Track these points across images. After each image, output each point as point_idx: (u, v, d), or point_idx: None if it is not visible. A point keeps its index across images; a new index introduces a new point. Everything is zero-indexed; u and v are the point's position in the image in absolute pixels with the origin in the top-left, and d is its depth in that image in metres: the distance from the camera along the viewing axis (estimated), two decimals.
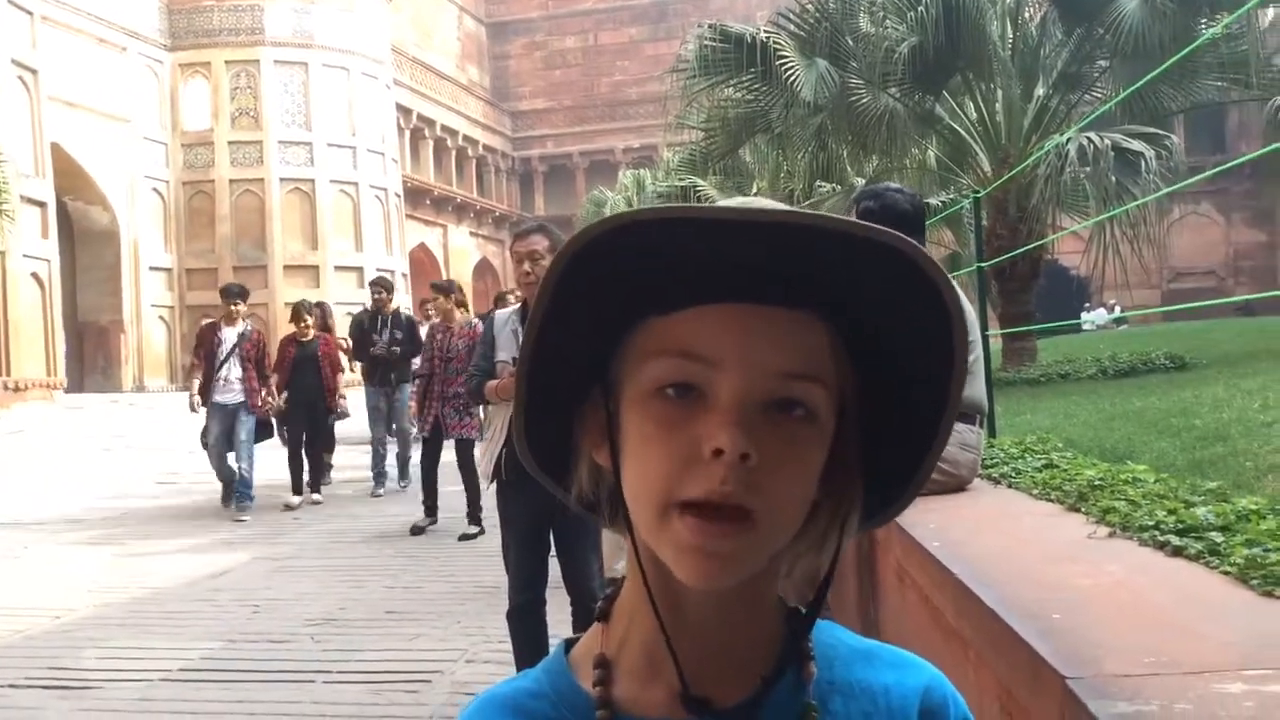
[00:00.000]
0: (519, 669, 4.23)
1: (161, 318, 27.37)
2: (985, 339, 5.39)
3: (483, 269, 40.61)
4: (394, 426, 11.36)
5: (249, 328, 10.21)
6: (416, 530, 8.85)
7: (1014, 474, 3.95)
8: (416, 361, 11.22)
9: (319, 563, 7.90)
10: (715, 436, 0.63)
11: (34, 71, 21.66)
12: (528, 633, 4.22)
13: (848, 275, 0.65)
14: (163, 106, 27.74)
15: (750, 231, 0.62)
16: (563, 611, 4.35)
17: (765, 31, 12.46)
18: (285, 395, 10.33)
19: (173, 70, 27.95)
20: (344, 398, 10.89)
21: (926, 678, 0.75)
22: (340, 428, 11.72)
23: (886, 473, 0.72)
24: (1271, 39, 13.76)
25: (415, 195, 35.09)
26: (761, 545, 0.65)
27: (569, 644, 0.77)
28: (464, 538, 8.47)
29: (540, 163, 45.83)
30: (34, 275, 21.10)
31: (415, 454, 10.71)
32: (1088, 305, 31.56)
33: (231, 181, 28.03)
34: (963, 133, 12.90)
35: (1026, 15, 12.91)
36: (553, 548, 4.30)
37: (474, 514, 8.64)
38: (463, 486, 8.83)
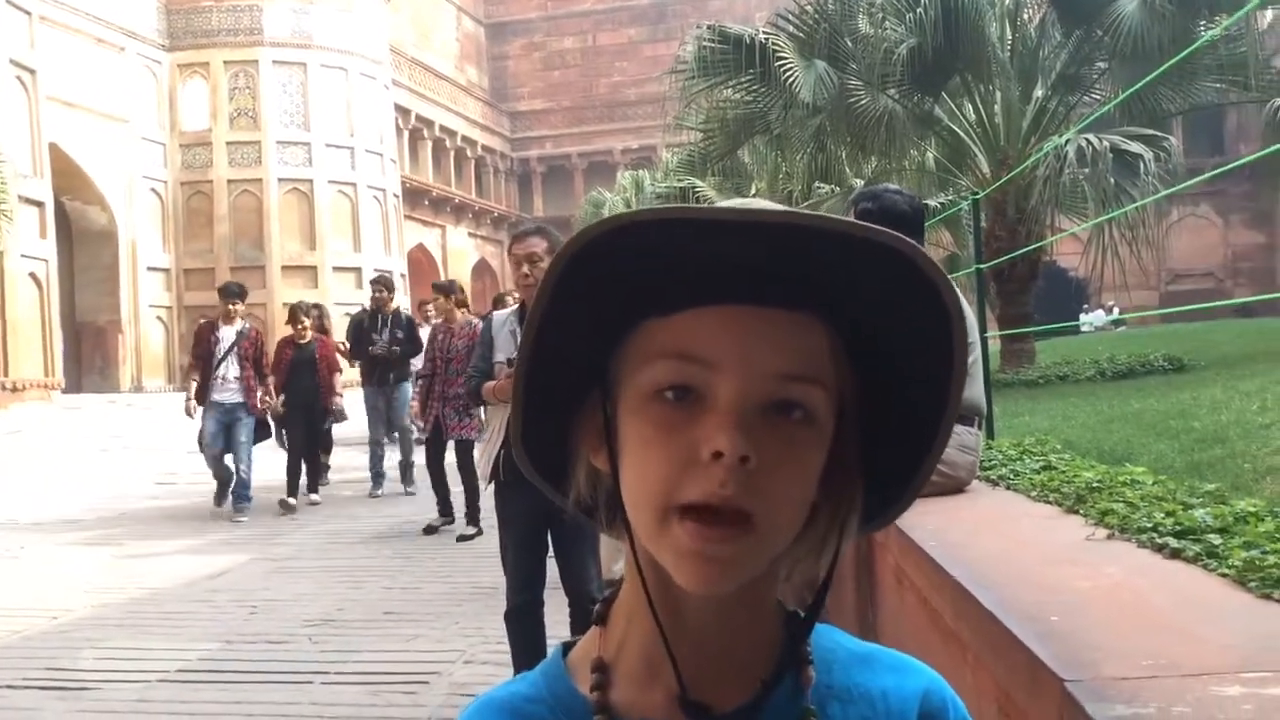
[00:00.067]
0: (517, 670, 4.22)
1: (159, 318, 27.36)
2: (984, 340, 5.39)
3: (481, 269, 40.60)
4: (395, 428, 11.28)
5: (247, 326, 10.13)
6: (430, 530, 8.80)
7: (1012, 476, 3.94)
8: (416, 362, 11.20)
9: (317, 563, 7.90)
10: (714, 439, 0.62)
11: (32, 71, 21.66)
12: (525, 634, 4.22)
13: (846, 276, 0.65)
14: (161, 107, 27.74)
15: (749, 232, 0.62)
16: (560, 613, 4.35)
17: (764, 33, 12.46)
18: (283, 398, 10.27)
19: (171, 70, 27.95)
20: (340, 395, 10.80)
21: (926, 681, 0.75)
22: (339, 428, 11.67)
23: (885, 474, 0.71)
24: (1270, 41, 13.79)
25: (414, 196, 35.09)
26: (761, 549, 0.65)
27: (566, 647, 0.76)
28: (462, 538, 8.47)
29: (539, 163, 45.84)
30: (32, 275, 21.10)
31: (417, 457, 10.70)
32: (1086, 307, 31.57)
33: (230, 182, 28.02)
34: (961, 134, 12.91)
35: (1025, 17, 12.92)
36: (551, 549, 4.30)
37: (472, 515, 8.64)
38: (461, 487, 8.82)
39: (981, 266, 6.65)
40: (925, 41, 10.98)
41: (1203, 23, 11.27)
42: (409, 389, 11.19)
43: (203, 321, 10.63)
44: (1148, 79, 8.97)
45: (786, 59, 11.92)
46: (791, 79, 11.83)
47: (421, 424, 9.10)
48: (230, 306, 9.95)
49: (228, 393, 9.77)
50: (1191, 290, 34.30)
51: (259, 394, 9.93)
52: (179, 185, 27.96)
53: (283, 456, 10.70)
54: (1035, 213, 11.37)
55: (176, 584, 7.28)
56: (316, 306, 12.33)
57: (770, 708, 0.70)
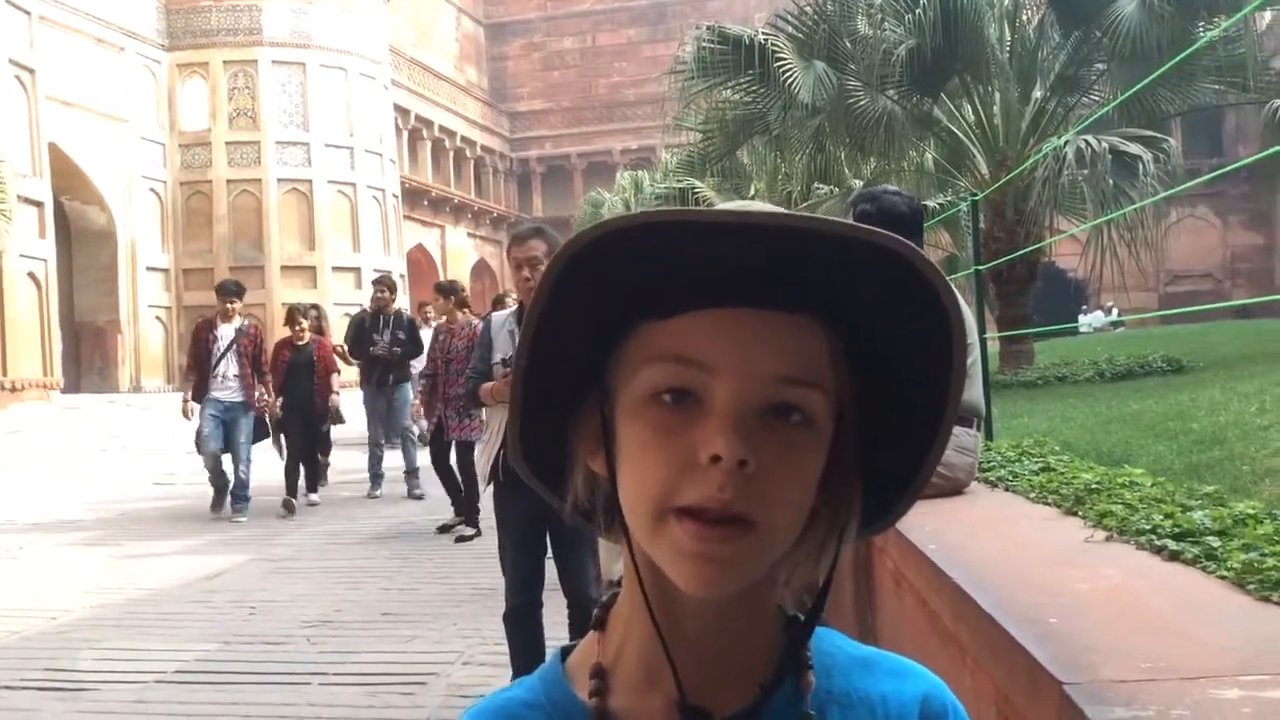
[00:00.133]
0: (515, 671, 4.22)
1: (158, 318, 27.35)
2: (983, 342, 5.39)
3: (480, 270, 40.59)
4: (395, 431, 11.19)
5: (246, 323, 10.03)
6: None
7: (1011, 477, 3.94)
8: (417, 363, 11.16)
9: (315, 564, 7.89)
10: (712, 443, 0.62)
11: (31, 71, 21.66)
12: (524, 635, 4.21)
13: (845, 278, 0.64)
14: (160, 106, 27.73)
15: (747, 235, 0.62)
16: (559, 614, 4.35)
17: (763, 33, 12.46)
18: (280, 400, 10.17)
19: (170, 70, 27.94)
20: (337, 394, 10.72)
21: (926, 686, 0.75)
22: (338, 429, 11.63)
23: (884, 477, 0.71)
24: (1269, 42, 13.80)
25: (413, 196, 35.09)
26: (761, 551, 0.65)
27: (565, 652, 0.76)
28: (461, 539, 8.47)
29: (538, 164, 45.84)
30: (31, 275, 21.09)
31: (418, 460, 10.66)
32: (1085, 308, 31.59)
33: (229, 182, 28.01)
34: (960, 135, 12.91)
35: (1024, 18, 12.93)
36: (550, 550, 4.29)
37: (471, 516, 8.63)
38: (461, 488, 8.82)
39: (980, 268, 6.66)
40: (924, 42, 10.99)
41: (1201, 24, 11.28)
42: (409, 391, 11.15)
43: (203, 319, 10.48)
44: (1147, 80, 8.97)
45: (785, 60, 11.92)
46: (790, 80, 11.83)
47: (425, 424, 9.05)
48: (228, 304, 9.87)
49: (227, 391, 9.69)
50: (1190, 291, 34.31)
51: (258, 392, 9.88)
52: (178, 185, 27.96)
53: (280, 457, 10.62)
54: (1034, 214, 11.38)
55: (174, 584, 7.28)
56: (314, 307, 12.28)
57: (770, 713, 0.70)
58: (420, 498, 10.54)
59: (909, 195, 4.20)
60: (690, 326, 0.65)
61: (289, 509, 9.95)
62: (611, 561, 4.95)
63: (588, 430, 0.70)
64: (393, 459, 11.37)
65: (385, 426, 11.13)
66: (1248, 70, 11.03)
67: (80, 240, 26.11)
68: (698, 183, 18.29)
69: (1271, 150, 9.52)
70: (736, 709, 0.69)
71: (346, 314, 24.98)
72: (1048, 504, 3.38)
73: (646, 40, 45.26)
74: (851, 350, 0.68)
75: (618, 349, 0.68)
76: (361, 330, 11.06)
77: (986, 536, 2.99)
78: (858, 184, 13.18)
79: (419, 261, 35.24)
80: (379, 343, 10.71)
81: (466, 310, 9.25)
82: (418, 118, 37.28)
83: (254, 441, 9.97)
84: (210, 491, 10.02)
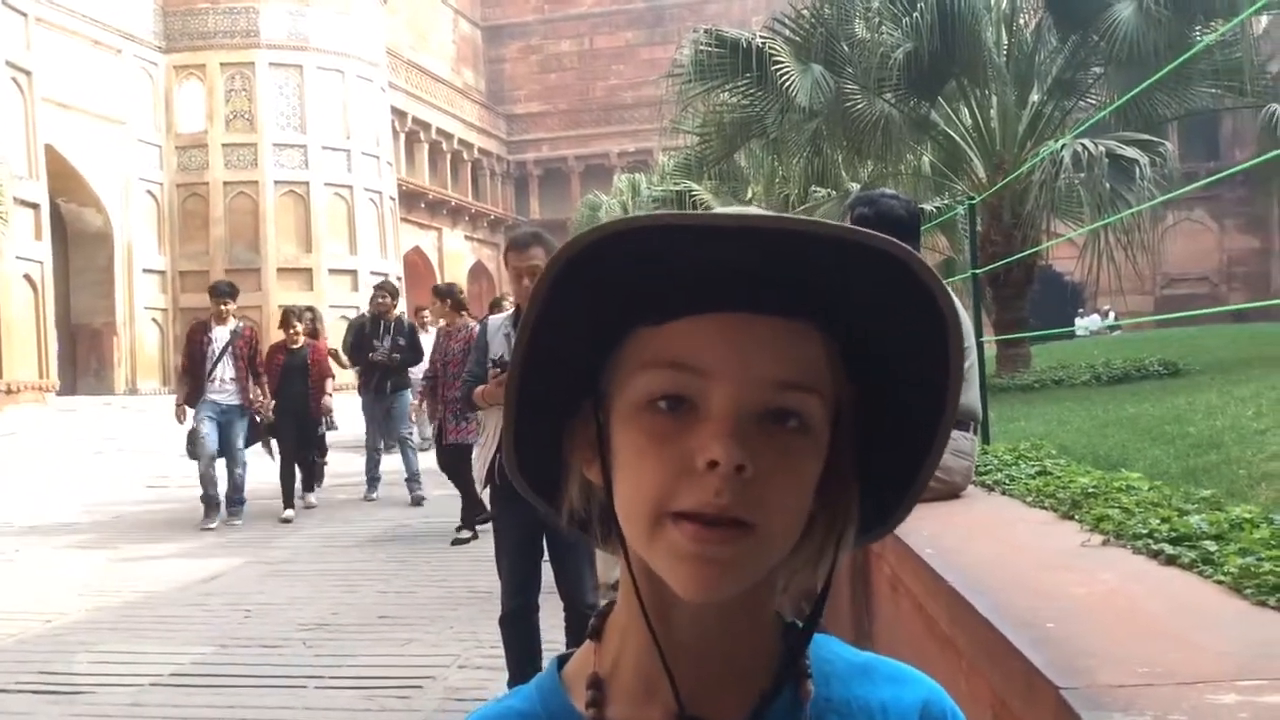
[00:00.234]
0: (511, 675, 4.22)
1: (154, 320, 27.32)
2: (980, 345, 5.39)
3: (477, 272, 40.58)
4: (393, 437, 11.13)
5: (241, 325, 9.92)
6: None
7: (1008, 481, 3.94)
8: (416, 370, 11.13)
9: (312, 567, 7.88)
10: (709, 448, 0.62)
11: (28, 73, 21.63)
12: (521, 639, 4.21)
13: (841, 282, 0.64)
14: (157, 109, 27.71)
15: (744, 237, 0.62)
16: (555, 618, 4.35)
17: (761, 37, 12.48)
18: (273, 404, 10.04)
19: (167, 72, 27.92)
20: (330, 396, 10.66)
21: (925, 692, 0.74)
22: (333, 433, 11.60)
23: (882, 481, 0.71)
24: (1265, 46, 13.81)
25: (410, 198, 35.08)
26: (759, 554, 0.64)
27: (561, 661, 0.76)
28: (457, 542, 8.46)
29: (535, 166, 45.83)
30: (27, 277, 21.07)
31: (417, 465, 10.63)
32: (1081, 311, 31.63)
33: (225, 184, 27.99)
34: (958, 139, 12.93)
35: (1021, 22, 12.95)
36: (546, 554, 4.29)
37: (468, 519, 8.62)
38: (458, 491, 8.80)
39: (977, 271, 6.65)
40: (921, 46, 11.00)
41: (1198, 28, 11.30)
42: (408, 397, 11.11)
43: (197, 322, 10.29)
44: (1144, 85, 8.98)
45: (783, 63, 11.94)
46: (788, 83, 11.85)
47: (427, 427, 8.98)
48: (222, 306, 9.75)
49: (224, 394, 9.62)
50: (1186, 295, 34.34)
51: (254, 394, 9.81)
52: (175, 187, 27.93)
53: (272, 461, 10.54)
54: (1031, 217, 11.39)
55: (171, 587, 7.26)
56: (309, 309, 12.25)
57: None
58: (420, 502, 10.47)
59: (906, 199, 4.20)
60: (686, 332, 0.65)
61: (288, 520, 9.88)
62: (608, 565, 4.95)
63: (582, 438, 0.70)
64: (391, 463, 11.34)
65: (384, 432, 11.10)
66: (1244, 74, 11.04)
67: (76, 242, 26.09)
68: (695, 186, 18.28)
69: (1269, 155, 9.54)
70: (735, 718, 0.69)
71: (343, 316, 25.02)
72: (1044, 508, 3.38)
73: (644, 43, 45.27)
74: (848, 354, 0.68)
75: (613, 354, 0.68)
76: (361, 336, 10.98)
77: (983, 540, 2.99)
78: (855, 187, 13.18)
79: (416, 264, 35.24)
80: (378, 349, 10.61)
81: (465, 313, 9.24)
82: (415, 120, 37.27)
83: (246, 445, 9.92)
84: (198, 495, 9.76)
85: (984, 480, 4.03)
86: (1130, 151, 10.02)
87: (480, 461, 4.38)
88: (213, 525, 9.51)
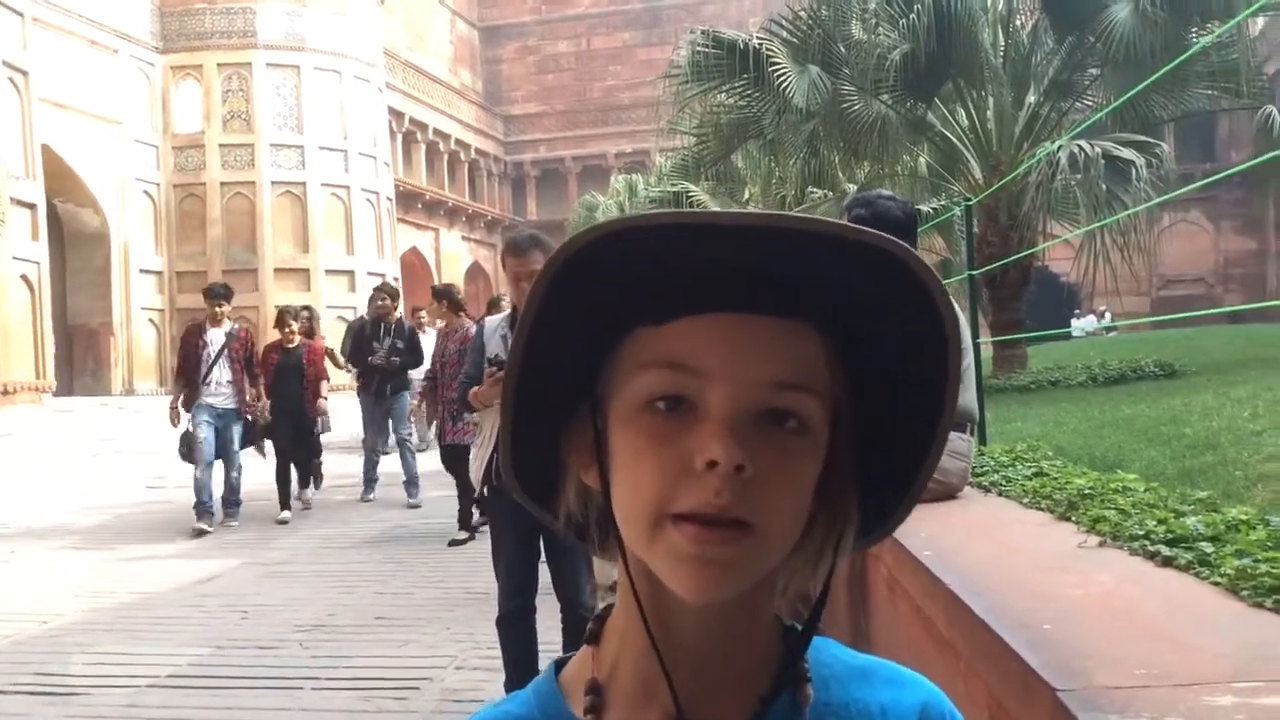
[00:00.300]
0: (508, 676, 4.22)
1: (151, 320, 27.27)
2: (976, 346, 5.40)
3: (474, 273, 40.55)
4: (395, 439, 11.07)
5: (236, 327, 9.88)
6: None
7: (1004, 482, 3.95)
8: (416, 373, 11.11)
9: (309, 568, 7.88)
10: (708, 448, 0.62)
11: (25, 73, 21.59)
12: (517, 640, 4.21)
13: (840, 281, 0.64)
14: (154, 109, 27.67)
15: (742, 236, 0.62)
16: (553, 619, 4.35)
17: (758, 38, 12.48)
18: (267, 404, 9.98)
19: (164, 72, 27.87)
20: (325, 399, 10.60)
21: (924, 695, 0.74)
22: (329, 434, 11.57)
23: (881, 481, 0.71)
24: (1261, 47, 13.82)
25: (407, 199, 35.04)
26: (759, 555, 0.64)
27: (559, 665, 0.75)
28: (454, 543, 8.45)
29: (532, 167, 45.79)
30: (23, 278, 21.02)
31: (416, 469, 10.61)
32: (1077, 312, 31.65)
33: (222, 184, 27.94)
34: (954, 140, 12.93)
35: (1018, 23, 12.95)
36: (543, 555, 4.29)
37: (465, 520, 8.62)
38: (455, 492, 8.80)
39: (974, 272, 6.67)
40: (918, 47, 11.00)
41: (1194, 30, 11.30)
42: (407, 399, 11.08)
43: (192, 324, 10.17)
44: (1141, 86, 8.99)
45: (780, 64, 11.94)
46: (785, 84, 11.84)
47: (423, 429, 8.97)
48: (216, 308, 9.69)
49: (220, 397, 9.55)
50: (1183, 296, 34.39)
51: (250, 395, 9.76)
52: (171, 188, 27.88)
53: (269, 462, 10.48)
54: (1028, 218, 11.39)
55: (167, 589, 7.26)
56: (306, 309, 12.21)
57: None
58: (417, 506, 10.44)
59: (903, 200, 4.21)
60: (684, 332, 0.65)
61: (285, 522, 9.85)
62: (605, 566, 4.95)
63: (579, 442, 0.70)
64: (389, 465, 11.32)
65: (383, 434, 11.05)
66: (1240, 76, 11.05)
67: (73, 243, 26.04)
68: (692, 186, 18.28)
69: (1265, 157, 9.55)
70: None
71: (340, 317, 25.02)
72: (1041, 509, 3.38)
73: (641, 44, 45.25)
74: (847, 355, 0.68)
75: (610, 356, 0.68)
76: (361, 338, 10.93)
77: (980, 542, 2.99)
78: (851, 188, 13.19)
79: (413, 264, 35.21)
80: (378, 351, 10.56)
81: (462, 314, 9.23)
82: (412, 121, 37.24)
83: (241, 447, 9.86)
84: (192, 500, 9.58)
85: (981, 481, 4.04)
86: (1126, 153, 10.03)
87: (477, 463, 4.37)
88: (209, 529, 9.41)
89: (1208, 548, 2.39)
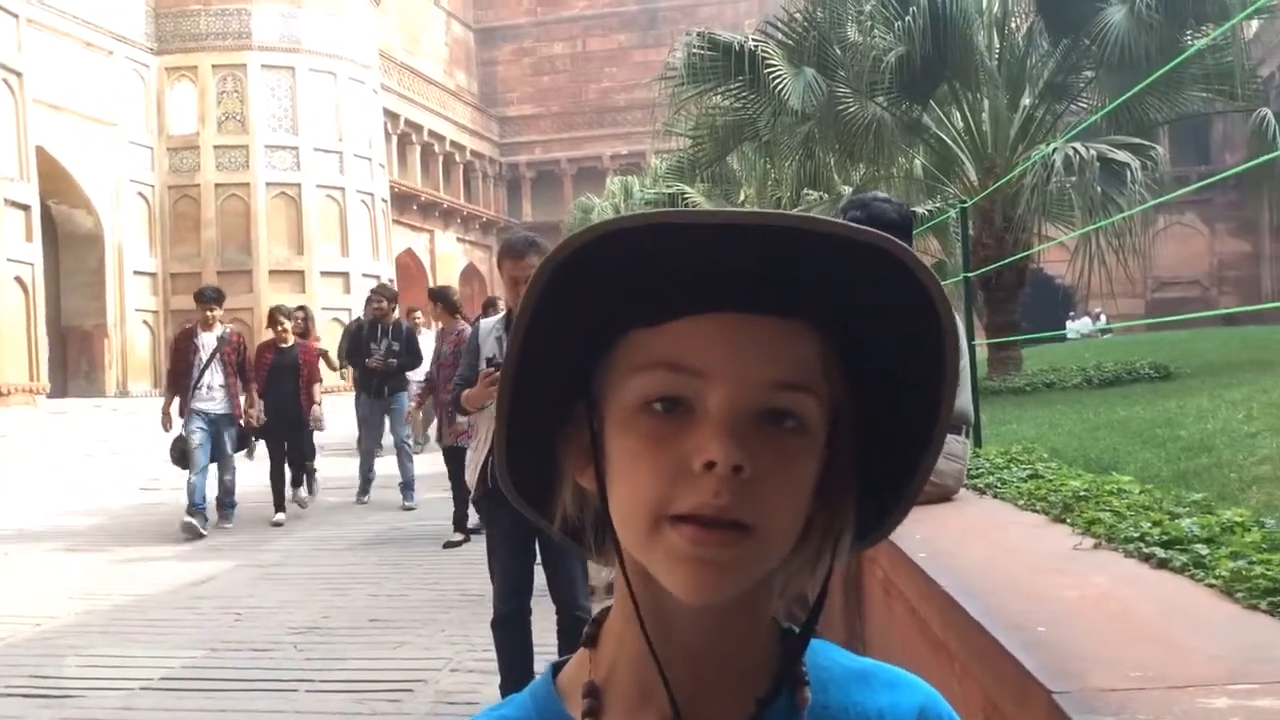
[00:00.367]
0: (503, 679, 4.21)
1: (145, 322, 27.24)
2: (971, 348, 5.40)
3: (469, 274, 40.54)
4: (393, 441, 11.03)
5: (228, 331, 9.81)
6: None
7: (999, 484, 3.95)
8: (414, 375, 11.08)
9: (303, 570, 7.87)
10: (707, 449, 0.61)
11: (19, 74, 21.56)
12: (513, 642, 4.20)
13: (838, 280, 0.64)
14: (149, 110, 27.64)
15: (738, 235, 0.61)
16: (548, 621, 4.34)
17: (753, 40, 12.50)
18: (261, 405, 9.87)
19: (159, 74, 27.85)
20: (319, 404, 10.53)
21: (922, 698, 0.74)
22: (325, 436, 11.53)
23: (879, 482, 0.70)
24: (1256, 50, 13.86)
25: (402, 200, 35.04)
26: (758, 556, 0.64)
27: (556, 668, 0.75)
28: (449, 545, 8.44)
29: (528, 169, 45.81)
30: (17, 279, 20.99)
31: (413, 472, 10.59)
32: (1073, 314, 31.71)
33: (217, 186, 27.92)
34: (949, 142, 12.95)
35: (1013, 25, 12.97)
36: (539, 557, 4.28)
37: (460, 522, 8.61)
38: (450, 494, 8.79)
39: (969, 274, 6.67)
40: (914, 49, 11.02)
41: (1189, 32, 11.33)
42: (405, 401, 11.04)
43: (183, 329, 10.04)
44: (1136, 89, 9.01)
45: (775, 66, 11.95)
46: (780, 86, 11.86)
47: (419, 431, 8.94)
48: (208, 312, 9.59)
49: (212, 402, 9.45)
50: (1177, 298, 34.50)
51: (244, 402, 9.70)
52: (166, 189, 27.85)
53: (262, 464, 10.43)
54: (1023, 221, 11.41)
55: (161, 591, 7.24)
56: (302, 309, 12.16)
57: None
58: (412, 509, 10.40)
59: (899, 202, 4.21)
60: (681, 333, 0.64)
61: (279, 524, 9.83)
62: (600, 568, 4.94)
63: (576, 445, 0.69)
64: (385, 467, 11.29)
65: (379, 437, 10.99)
66: (1235, 78, 11.08)
67: (67, 244, 26.00)
68: (687, 188, 18.30)
69: (1261, 159, 9.57)
70: None
71: (335, 318, 25.01)
72: (1036, 511, 3.38)
73: (637, 46, 45.27)
74: (846, 355, 0.68)
75: (606, 358, 0.67)
76: (357, 340, 10.89)
77: (975, 544, 2.99)
78: (847, 190, 13.21)
79: (408, 266, 35.21)
80: (375, 353, 10.49)
81: (458, 316, 9.22)
82: (407, 122, 37.24)
83: (234, 451, 9.81)
84: (185, 503, 9.42)
85: (976, 484, 4.04)
86: (1121, 155, 10.05)
87: (473, 465, 4.37)
88: (204, 532, 9.31)
89: (1203, 550, 2.39)
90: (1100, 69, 11.72)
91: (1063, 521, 3.13)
